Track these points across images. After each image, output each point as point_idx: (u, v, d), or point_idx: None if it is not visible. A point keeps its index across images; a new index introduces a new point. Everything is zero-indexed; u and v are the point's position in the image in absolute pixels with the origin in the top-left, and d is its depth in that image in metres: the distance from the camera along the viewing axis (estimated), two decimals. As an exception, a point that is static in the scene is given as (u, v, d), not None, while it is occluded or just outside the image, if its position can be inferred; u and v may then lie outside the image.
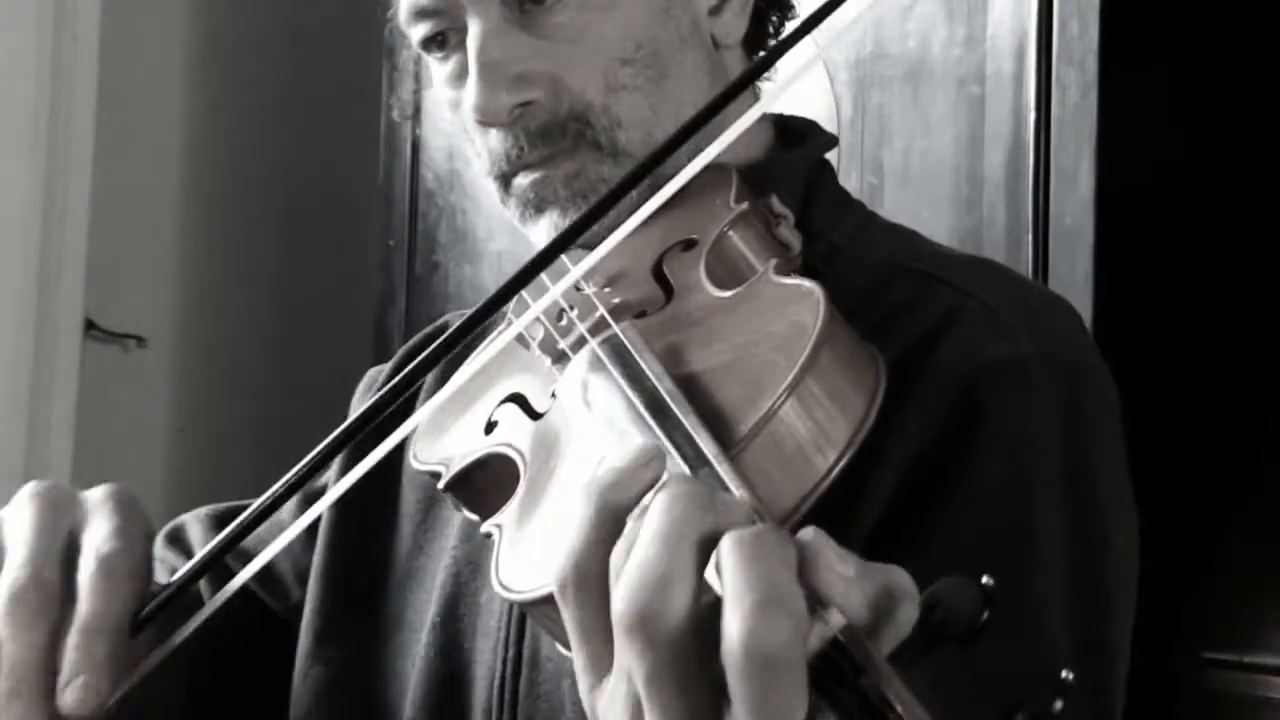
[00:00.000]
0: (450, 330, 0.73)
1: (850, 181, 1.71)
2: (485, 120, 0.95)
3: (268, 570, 1.12)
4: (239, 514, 1.18)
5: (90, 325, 2.67)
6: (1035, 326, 0.92)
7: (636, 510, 0.62)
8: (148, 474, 2.82)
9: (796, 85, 1.09)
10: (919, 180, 1.69)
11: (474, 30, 0.95)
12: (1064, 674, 0.56)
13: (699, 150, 0.75)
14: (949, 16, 1.69)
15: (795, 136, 1.06)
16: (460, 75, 0.97)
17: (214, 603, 0.78)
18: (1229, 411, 1.60)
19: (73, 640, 0.72)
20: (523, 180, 0.96)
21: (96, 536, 0.75)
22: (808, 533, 0.59)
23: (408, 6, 0.97)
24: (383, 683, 1.02)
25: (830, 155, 1.07)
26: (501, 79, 0.94)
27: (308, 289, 2.94)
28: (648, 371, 0.75)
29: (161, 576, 1.12)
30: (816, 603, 0.57)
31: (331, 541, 1.08)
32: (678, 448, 0.68)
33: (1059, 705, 0.55)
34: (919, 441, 0.85)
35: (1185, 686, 1.49)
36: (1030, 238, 1.59)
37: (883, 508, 0.84)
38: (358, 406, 1.16)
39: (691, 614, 0.58)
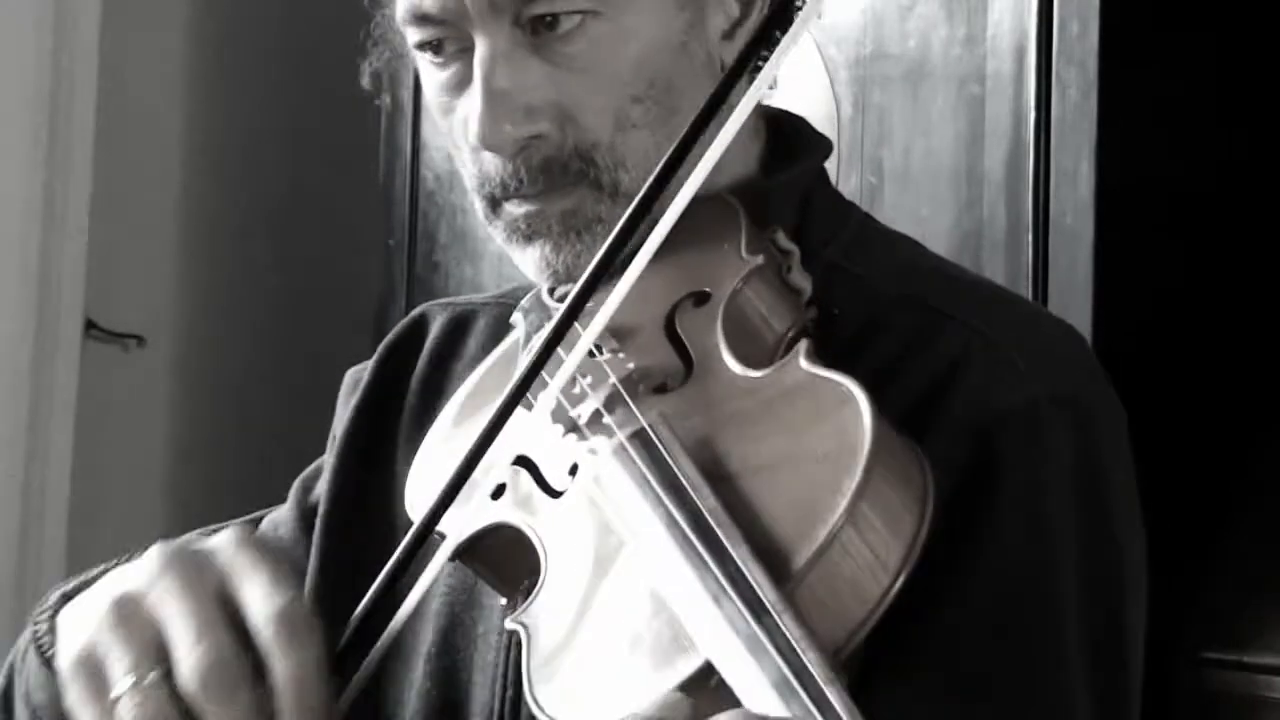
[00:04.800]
0: (523, 370, 0.71)
1: (850, 181, 1.71)
2: (487, 148, 0.91)
3: None
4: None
5: (90, 325, 2.67)
6: (1044, 364, 0.91)
7: None
8: (147, 474, 2.82)
9: (798, 85, 1.08)
10: (919, 180, 1.69)
11: (482, 51, 0.90)
12: None
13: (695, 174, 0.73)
14: (949, 16, 1.69)
15: (789, 142, 1.02)
16: (457, 86, 0.93)
17: (400, 618, 0.77)
18: (1229, 411, 1.60)
19: (287, 702, 0.71)
20: (515, 209, 0.92)
21: (257, 593, 0.74)
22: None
23: (408, 7, 0.92)
24: (379, 709, 1.00)
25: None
26: (508, 109, 0.89)
27: (308, 289, 2.94)
28: (686, 484, 0.72)
29: None
30: None
31: (324, 566, 1.04)
32: (734, 587, 0.66)
33: None
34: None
35: (1185, 686, 1.48)
36: (1030, 238, 1.59)
37: None
38: (342, 410, 1.12)
39: None
